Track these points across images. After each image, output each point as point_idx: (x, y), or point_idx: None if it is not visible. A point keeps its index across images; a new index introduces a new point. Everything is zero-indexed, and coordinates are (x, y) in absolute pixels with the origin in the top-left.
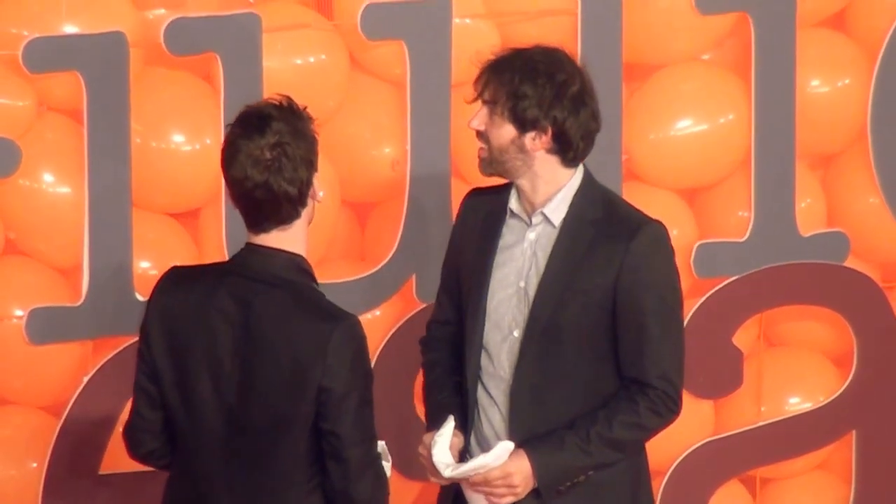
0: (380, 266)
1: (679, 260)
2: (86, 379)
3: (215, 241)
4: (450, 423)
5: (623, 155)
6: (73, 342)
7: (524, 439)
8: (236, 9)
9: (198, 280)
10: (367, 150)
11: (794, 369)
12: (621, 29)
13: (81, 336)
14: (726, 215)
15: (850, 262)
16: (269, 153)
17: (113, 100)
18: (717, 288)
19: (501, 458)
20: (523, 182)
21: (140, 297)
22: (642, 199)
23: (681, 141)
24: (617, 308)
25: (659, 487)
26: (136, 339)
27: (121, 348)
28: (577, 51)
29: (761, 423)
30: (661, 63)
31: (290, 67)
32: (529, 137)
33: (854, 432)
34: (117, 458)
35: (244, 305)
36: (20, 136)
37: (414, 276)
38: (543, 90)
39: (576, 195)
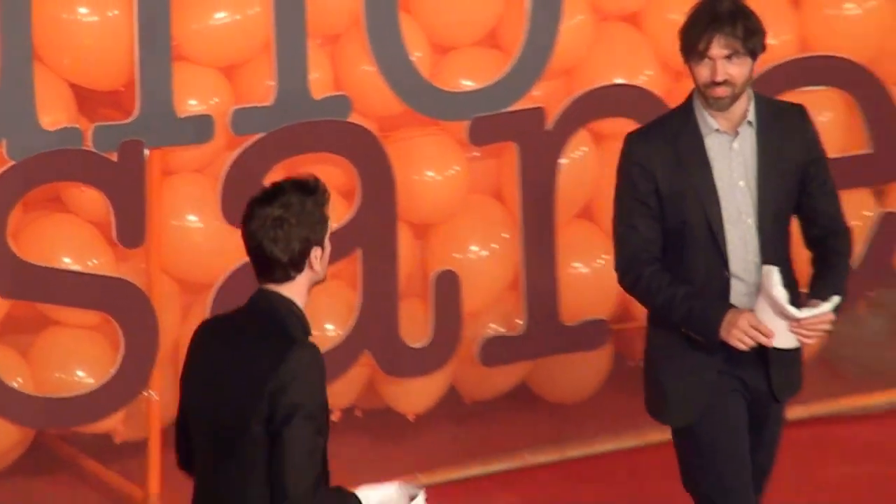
0: None
1: (221, 122)
2: None
3: None
4: (776, 274)
5: (173, 41)
6: None
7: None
8: None
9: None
10: None
11: None
12: None
13: None
14: (256, 86)
15: (353, 118)
16: (270, 222)
17: None
18: (249, 143)
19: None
20: (738, 102)
21: None
22: (191, 75)
23: (219, 29)
24: (809, 176)
25: None
26: None
27: None
28: None
29: None
30: None
31: None
32: (756, 60)
33: (360, 250)
34: None
35: (235, 332)
36: None
37: None
38: (755, 21)
39: (754, 97)
